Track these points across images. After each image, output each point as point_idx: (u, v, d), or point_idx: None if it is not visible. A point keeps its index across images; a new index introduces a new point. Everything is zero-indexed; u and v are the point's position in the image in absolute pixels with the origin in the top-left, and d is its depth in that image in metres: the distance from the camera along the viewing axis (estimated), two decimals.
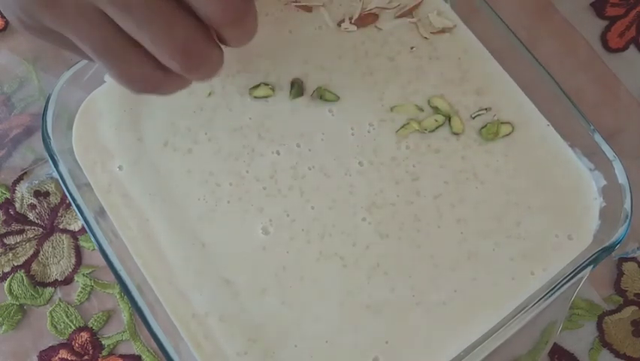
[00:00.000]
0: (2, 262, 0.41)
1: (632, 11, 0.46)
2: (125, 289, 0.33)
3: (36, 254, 0.41)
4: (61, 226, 0.41)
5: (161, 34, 0.25)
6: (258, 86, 0.39)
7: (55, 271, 0.40)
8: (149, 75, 0.27)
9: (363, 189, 0.37)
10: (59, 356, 0.39)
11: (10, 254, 0.41)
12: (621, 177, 0.35)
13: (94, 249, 0.41)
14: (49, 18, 0.25)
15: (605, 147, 0.36)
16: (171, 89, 0.29)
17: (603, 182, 0.37)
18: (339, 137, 0.39)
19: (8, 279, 0.40)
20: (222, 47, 0.28)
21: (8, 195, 0.42)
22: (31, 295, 0.40)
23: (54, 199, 0.42)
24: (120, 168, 0.38)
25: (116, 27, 0.25)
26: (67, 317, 0.39)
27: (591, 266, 0.34)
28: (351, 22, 0.41)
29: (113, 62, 0.27)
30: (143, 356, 0.39)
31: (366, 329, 0.35)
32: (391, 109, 0.39)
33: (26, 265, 0.40)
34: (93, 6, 0.25)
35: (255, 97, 0.39)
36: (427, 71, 0.40)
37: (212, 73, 0.28)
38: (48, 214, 0.42)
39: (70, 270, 0.40)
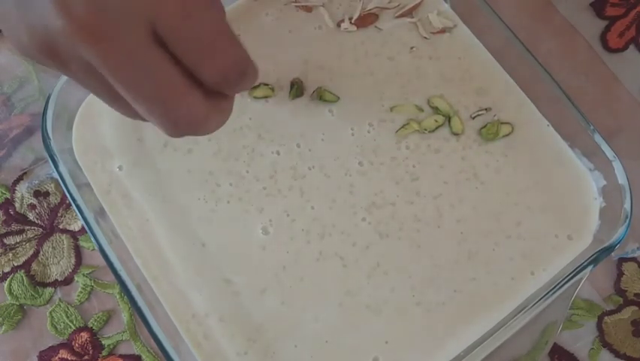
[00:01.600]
0: (2, 262, 0.41)
1: (632, 11, 0.46)
2: (125, 289, 0.33)
3: (36, 254, 0.41)
4: (61, 226, 0.41)
5: (147, 105, 0.24)
6: (257, 86, 0.39)
7: (55, 271, 0.40)
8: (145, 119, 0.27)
9: (363, 189, 0.37)
10: (59, 356, 0.39)
11: (10, 254, 0.41)
12: (621, 178, 0.35)
13: (94, 249, 0.41)
14: (52, 66, 0.25)
15: (605, 147, 0.36)
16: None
17: (603, 182, 0.37)
18: (339, 137, 0.39)
19: (8, 279, 0.40)
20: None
21: (8, 195, 0.42)
22: (31, 295, 0.40)
23: (54, 199, 0.42)
24: (120, 168, 0.38)
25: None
26: (67, 317, 0.39)
27: (591, 266, 0.34)
28: (351, 22, 0.41)
29: (110, 104, 0.27)
30: (143, 356, 0.39)
31: (366, 329, 0.35)
32: (391, 109, 0.39)
33: (26, 265, 0.40)
34: (89, 62, 0.24)
35: (255, 97, 0.39)
36: (426, 71, 0.40)
37: (209, 132, 0.27)
38: (48, 214, 0.42)
39: (70, 270, 0.40)
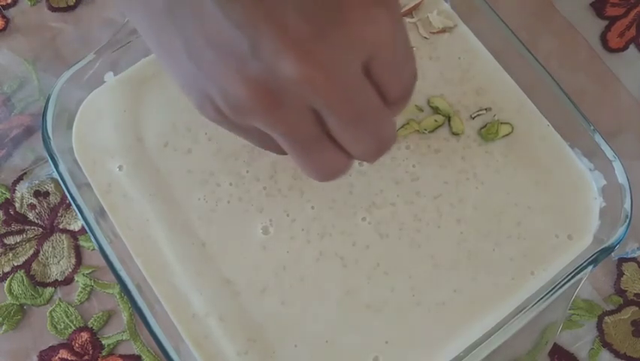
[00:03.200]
0: (2, 262, 0.41)
1: (632, 11, 0.46)
2: (125, 289, 0.33)
3: (36, 254, 0.41)
4: (61, 226, 0.41)
5: (364, 135, 0.26)
6: None
7: (55, 271, 0.40)
8: (337, 168, 0.28)
9: (363, 189, 0.37)
10: (59, 356, 0.39)
11: (10, 254, 0.41)
12: (621, 177, 0.35)
13: (94, 249, 0.41)
14: (263, 119, 0.25)
15: (605, 147, 0.36)
16: (344, 173, 0.30)
17: (603, 182, 0.37)
18: None
19: (8, 279, 0.40)
20: None
21: (8, 195, 0.42)
22: (31, 295, 0.40)
23: (54, 199, 0.42)
24: (120, 168, 0.38)
25: (321, 126, 0.26)
26: (67, 317, 0.39)
27: (591, 266, 0.34)
28: None
29: (308, 157, 0.27)
30: (143, 356, 0.39)
31: (366, 329, 0.35)
32: None
33: (26, 265, 0.40)
34: (309, 106, 0.24)
35: None
36: (426, 71, 0.40)
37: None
38: (48, 214, 0.42)
39: (70, 270, 0.40)
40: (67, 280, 0.40)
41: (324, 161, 0.27)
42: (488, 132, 0.38)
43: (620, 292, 0.40)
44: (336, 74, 0.23)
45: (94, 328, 0.39)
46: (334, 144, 0.27)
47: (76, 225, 0.41)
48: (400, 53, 0.25)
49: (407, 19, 0.41)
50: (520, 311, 0.34)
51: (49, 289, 0.40)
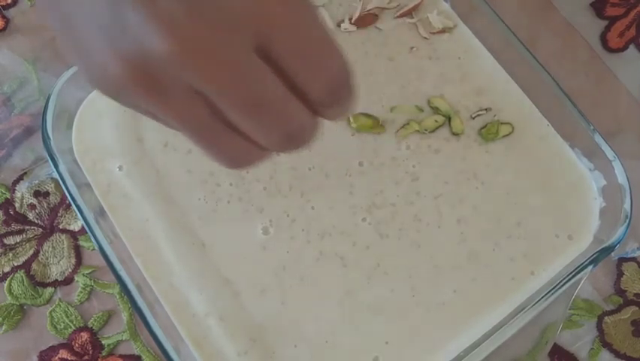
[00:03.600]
0: (2, 262, 0.41)
1: (632, 11, 0.46)
2: (125, 289, 0.33)
3: (36, 254, 0.41)
4: (61, 226, 0.41)
5: (265, 125, 0.23)
6: None
7: (55, 271, 0.40)
8: (242, 154, 0.25)
9: (363, 190, 0.37)
10: (59, 356, 0.39)
11: (10, 254, 0.41)
12: (621, 177, 0.35)
13: (94, 249, 0.41)
14: (145, 102, 0.23)
15: (605, 147, 0.36)
16: (260, 161, 0.27)
17: (603, 182, 0.37)
18: (339, 137, 0.39)
19: (8, 279, 0.40)
20: None
21: (8, 195, 0.42)
22: (31, 295, 0.40)
23: (54, 199, 0.42)
24: (120, 168, 0.38)
25: (211, 109, 0.23)
26: (67, 317, 0.39)
27: (591, 266, 0.34)
28: (350, 23, 0.41)
29: (205, 142, 0.25)
30: (143, 356, 0.39)
31: (366, 329, 0.35)
32: (391, 109, 0.39)
33: (26, 265, 0.40)
34: (192, 89, 0.22)
35: None
36: (426, 71, 0.40)
37: (306, 145, 0.26)
38: (48, 214, 0.42)
39: (70, 270, 0.40)
40: (67, 280, 0.40)
41: (226, 148, 0.25)
42: (488, 132, 0.38)
43: (620, 292, 0.40)
44: (212, 51, 0.21)
45: (94, 328, 0.39)
46: (237, 131, 0.24)
47: (76, 225, 0.41)
48: (307, 38, 0.23)
49: (407, 20, 0.41)
50: (520, 311, 0.34)
51: (49, 289, 0.40)
